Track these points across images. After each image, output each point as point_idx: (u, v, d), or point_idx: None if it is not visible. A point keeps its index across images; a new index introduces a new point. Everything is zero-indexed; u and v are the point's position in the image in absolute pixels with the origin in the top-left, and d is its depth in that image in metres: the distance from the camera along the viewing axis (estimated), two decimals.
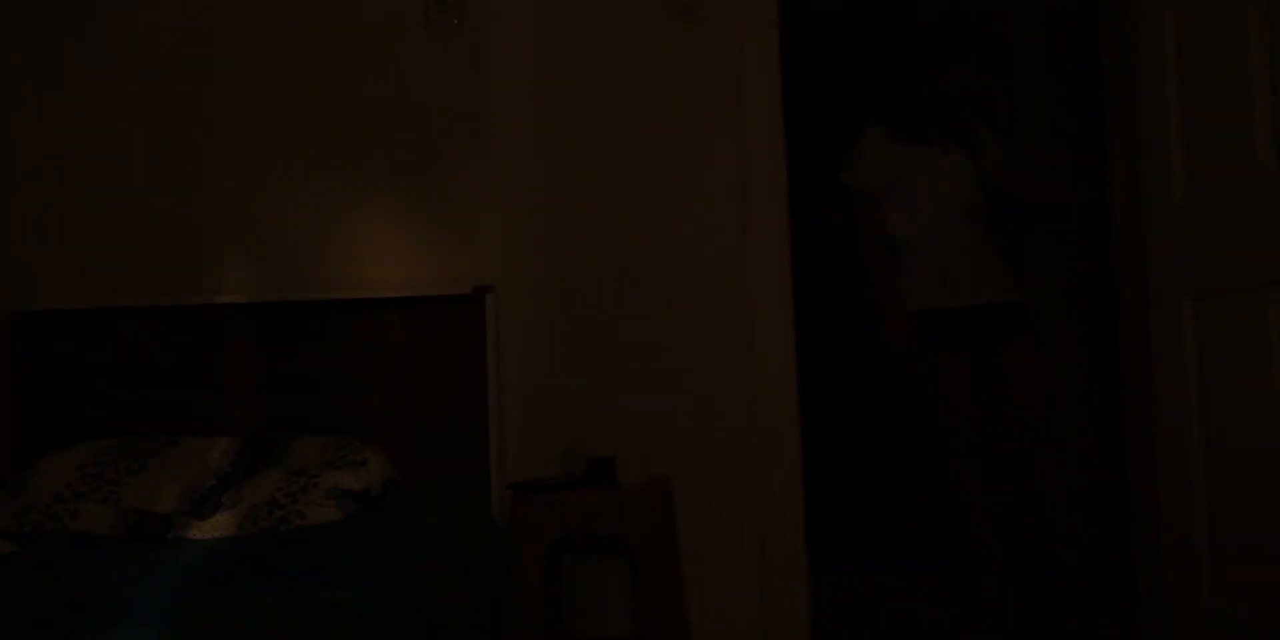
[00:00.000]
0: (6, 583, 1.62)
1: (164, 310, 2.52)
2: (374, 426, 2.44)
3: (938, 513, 4.31)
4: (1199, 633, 2.32)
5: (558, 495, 2.26)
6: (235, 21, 2.63)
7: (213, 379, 2.51)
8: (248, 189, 2.60)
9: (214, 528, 2.03)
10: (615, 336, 2.55)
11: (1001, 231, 3.09)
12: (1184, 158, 2.36)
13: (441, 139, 2.59)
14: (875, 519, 4.73)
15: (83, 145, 2.63)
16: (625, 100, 2.58)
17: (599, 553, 2.56)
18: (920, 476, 5.15)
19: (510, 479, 2.47)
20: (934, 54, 2.97)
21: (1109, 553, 3.59)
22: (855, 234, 2.99)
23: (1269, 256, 2.11)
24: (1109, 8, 2.70)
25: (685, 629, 2.43)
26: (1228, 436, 2.24)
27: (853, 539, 4.30)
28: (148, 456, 2.22)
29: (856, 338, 6.28)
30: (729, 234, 2.54)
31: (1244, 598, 2.19)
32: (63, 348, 2.53)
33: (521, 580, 2.21)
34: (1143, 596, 2.62)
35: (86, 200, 2.62)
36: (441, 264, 2.57)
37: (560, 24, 2.60)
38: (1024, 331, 2.92)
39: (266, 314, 2.52)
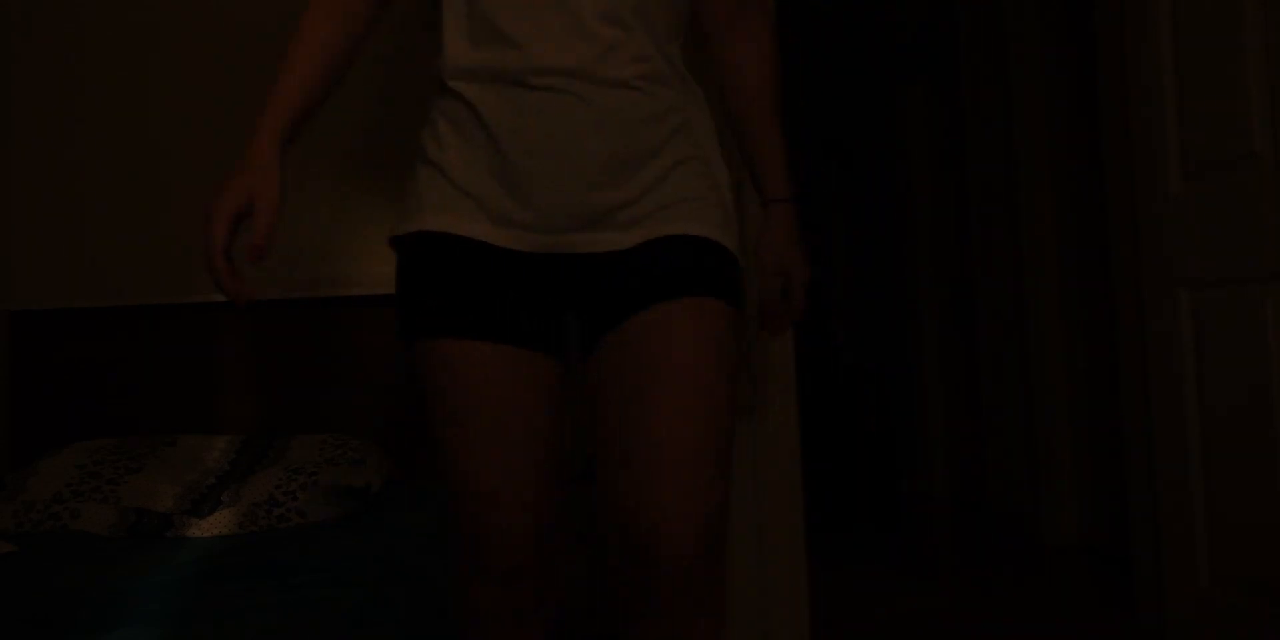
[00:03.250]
0: (6, 583, 1.62)
1: (161, 308, 2.52)
2: (373, 424, 2.44)
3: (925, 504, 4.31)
4: (1197, 622, 2.32)
5: None
6: (237, 21, 2.62)
7: (211, 377, 2.51)
8: None
9: (213, 526, 2.03)
10: None
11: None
12: (1180, 148, 2.36)
13: None
14: (872, 513, 4.74)
15: (80, 143, 2.63)
16: None
17: (598, 549, 2.56)
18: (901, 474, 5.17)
19: None
20: None
21: (1108, 543, 3.59)
22: None
23: (1266, 248, 2.11)
24: None
25: None
26: (1225, 427, 2.24)
27: (850, 534, 4.31)
28: (146, 456, 2.22)
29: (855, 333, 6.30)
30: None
31: (1242, 588, 2.19)
32: (59, 347, 2.52)
33: None
34: (1141, 586, 2.62)
35: (83, 198, 2.62)
36: None
37: None
38: (688, 295, 1.24)
39: (264, 312, 2.52)
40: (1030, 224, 3.88)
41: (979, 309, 4.50)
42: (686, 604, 1.16)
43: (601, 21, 1.24)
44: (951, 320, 4.97)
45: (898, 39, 5.40)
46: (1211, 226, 2.27)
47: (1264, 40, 2.09)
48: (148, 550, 1.86)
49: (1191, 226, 2.33)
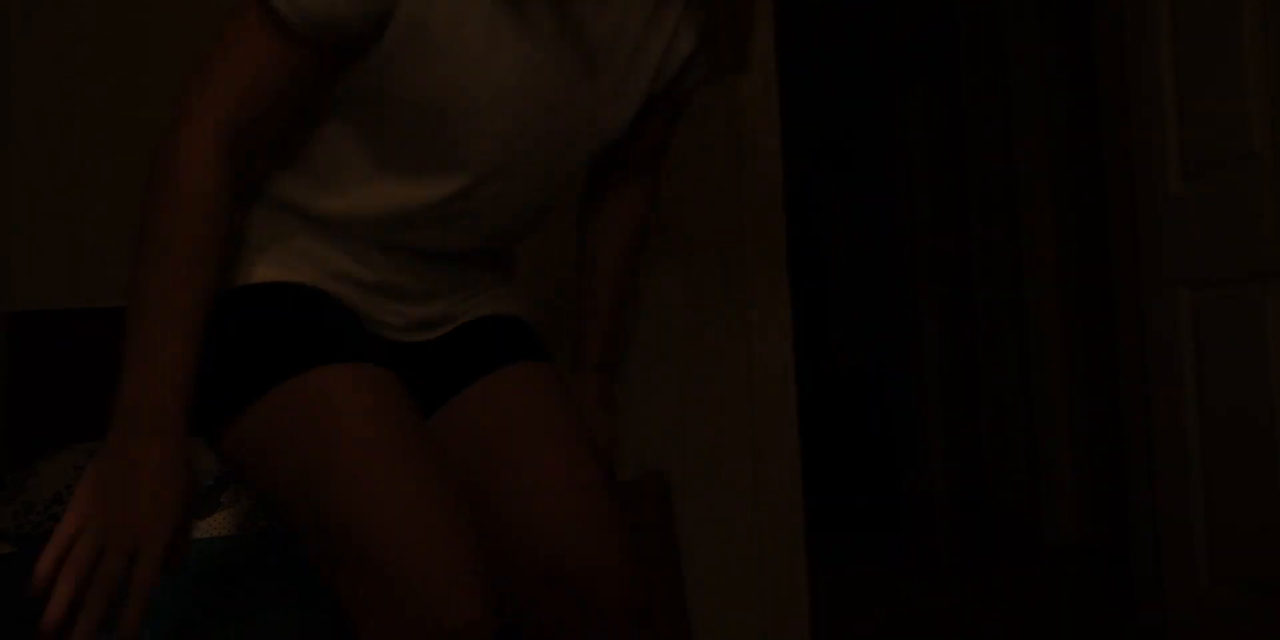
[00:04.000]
0: (6, 583, 1.62)
1: None
2: None
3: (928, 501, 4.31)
4: (1197, 622, 2.32)
5: None
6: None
7: None
8: None
9: (213, 527, 2.03)
10: None
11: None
12: (1180, 148, 2.36)
13: None
14: (872, 513, 4.74)
15: (80, 143, 2.63)
16: None
17: None
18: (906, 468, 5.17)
19: None
20: None
21: (1108, 543, 3.59)
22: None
23: (1266, 247, 2.11)
24: None
25: (685, 627, 2.43)
26: (1225, 427, 2.24)
27: (850, 534, 4.31)
28: None
29: (854, 334, 6.30)
30: (727, 232, 2.54)
31: (1242, 588, 2.19)
32: (58, 348, 2.52)
33: None
34: (1141, 586, 2.62)
35: (83, 198, 2.62)
36: None
37: None
38: (525, 359, 1.31)
39: None
40: (1030, 224, 3.88)
41: (979, 309, 4.50)
42: (634, 628, 1.18)
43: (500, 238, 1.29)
44: (951, 320, 4.97)
45: (898, 39, 5.40)
46: (1211, 226, 2.27)
47: (1264, 40, 2.09)
48: None
49: (1191, 226, 2.33)
